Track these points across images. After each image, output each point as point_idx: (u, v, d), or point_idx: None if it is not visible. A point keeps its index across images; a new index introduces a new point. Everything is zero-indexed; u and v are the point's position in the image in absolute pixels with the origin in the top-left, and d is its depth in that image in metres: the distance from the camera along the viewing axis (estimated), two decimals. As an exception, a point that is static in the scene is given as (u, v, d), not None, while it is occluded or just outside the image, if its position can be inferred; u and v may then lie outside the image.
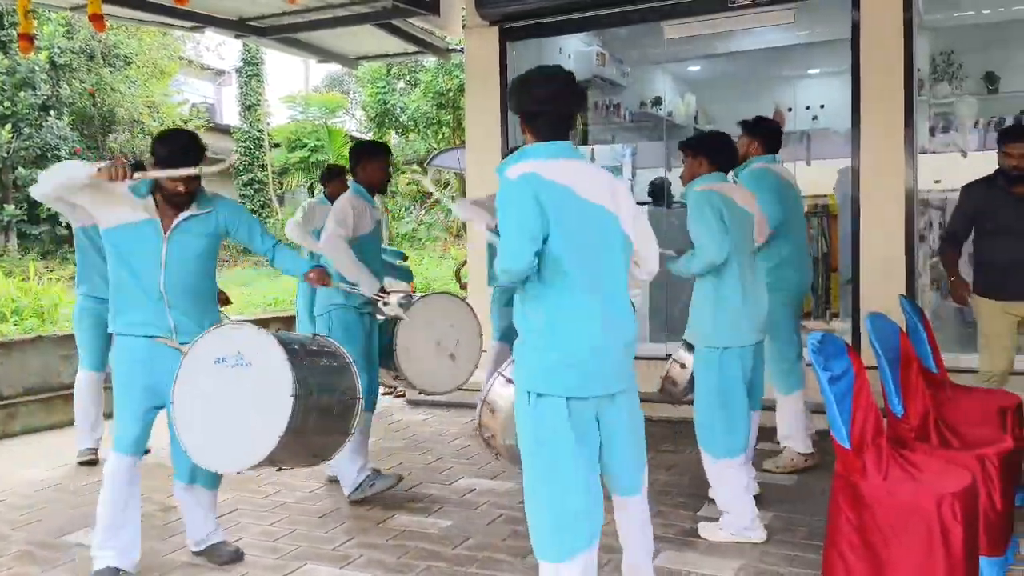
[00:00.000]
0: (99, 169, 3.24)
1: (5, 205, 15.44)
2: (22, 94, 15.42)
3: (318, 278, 3.85)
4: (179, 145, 3.52)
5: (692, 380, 4.06)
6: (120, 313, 3.56)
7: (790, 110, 9.49)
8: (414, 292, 5.03)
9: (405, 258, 5.20)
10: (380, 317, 4.62)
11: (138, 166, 5.16)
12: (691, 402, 4.11)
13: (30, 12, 4.29)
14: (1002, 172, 4.55)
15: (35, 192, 3.38)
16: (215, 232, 3.65)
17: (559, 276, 2.64)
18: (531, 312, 2.70)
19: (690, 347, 4.10)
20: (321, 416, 3.48)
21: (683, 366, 4.14)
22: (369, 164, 4.67)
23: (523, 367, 2.72)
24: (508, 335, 5.75)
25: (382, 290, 4.48)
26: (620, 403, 2.78)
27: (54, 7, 7.31)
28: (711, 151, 4.01)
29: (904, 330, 3.95)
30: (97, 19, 4.25)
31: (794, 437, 4.88)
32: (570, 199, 2.64)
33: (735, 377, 3.88)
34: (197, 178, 3.51)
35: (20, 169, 15.40)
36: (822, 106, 9.16)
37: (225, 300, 5.43)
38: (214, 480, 3.82)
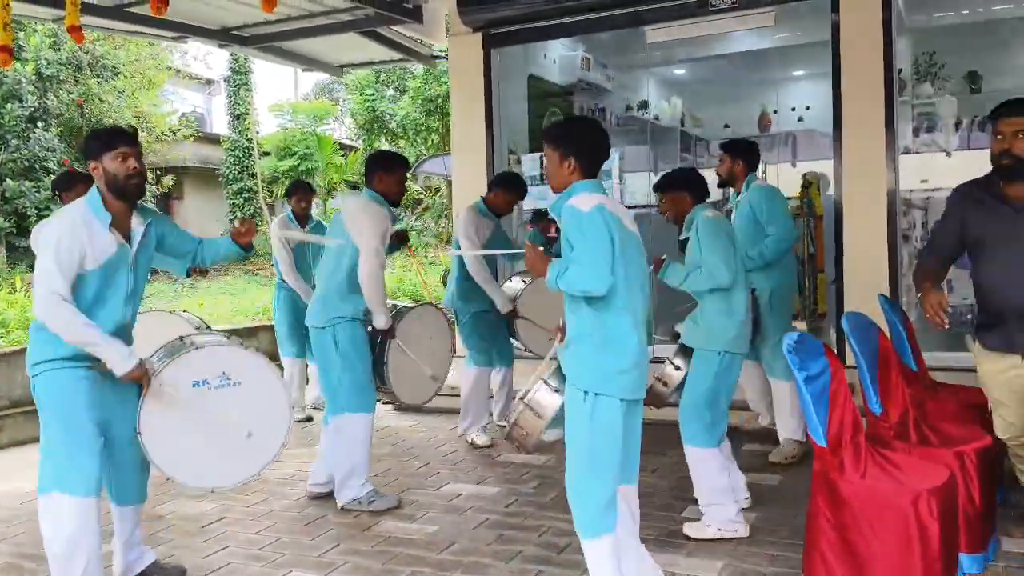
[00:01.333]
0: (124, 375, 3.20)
1: (-7, 217, 15.41)
2: (8, 106, 15.40)
3: (247, 230, 3.67)
4: (108, 128, 3.44)
5: (680, 384, 4.12)
6: (56, 345, 3.22)
7: (775, 112, 9.53)
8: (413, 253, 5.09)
9: (404, 237, 5.20)
10: (368, 328, 4.64)
11: (87, 178, 4.97)
12: (674, 404, 4.15)
13: (9, 24, 4.29)
14: (998, 171, 3.41)
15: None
16: (155, 244, 3.52)
17: (616, 294, 3.00)
18: (592, 323, 3.04)
19: (685, 350, 4.15)
20: None
21: (677, 368, 4.20)
22: (388, 177, 4.60)
23: (582, 369, 3.05)
24: (487, 361, 5.79)
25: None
26: (640, 406, 3.17)
27: (36, 19, 7.31)
28: (691, 185, 4.24)
29: (884, 329, 3.99)
30: (75, 31, 4.25)
31: (788, 426, 5.08)
32: (622, 227, 3.05)
33: (732, 379, 4.09)
34: (140, 157, 3.36)
35: (8, 181, 15.37)
36: (808, 108, 9.20)
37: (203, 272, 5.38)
38: (143, 494, 3.62)
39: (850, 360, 3.83)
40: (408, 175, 19.23)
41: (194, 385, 3.39)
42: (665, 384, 4.28)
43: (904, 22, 6.49)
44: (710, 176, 4.84)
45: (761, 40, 8.09)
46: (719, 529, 3.91)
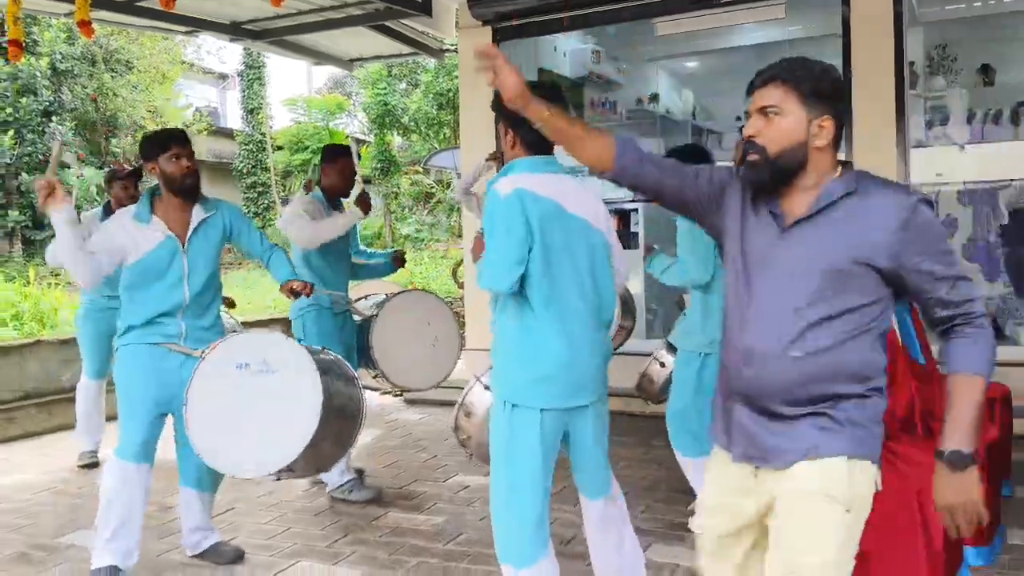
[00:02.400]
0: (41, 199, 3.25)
1: (9, 211, 15.52)
2: (24, 100, 15.50)
3: (300, 288, 3.81)
4: (162, 131, 3.67)
5: (669, 381, 4.09)
6: (131, 327, 3.55)
7: (787, 106, 9.47)
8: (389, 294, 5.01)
9: (400, 259, 5.12)
10: (357, 317, 4.66)
11: (137, 172, 5.23)
12: (665, 400, 4.15)
13: (19, 19, 4.32)
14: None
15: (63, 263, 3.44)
16: (222, 235, 3.70)
17: (540, 291, 2.66)
18: (509, 324, 2.74)
19: (672, 348, 4.12)
20: (335, 425, 3.53)
21: (663, 365, 4.17)
22: (327, 169, 4.65)
23: (500, 377, 2.76)
24: None
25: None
26: (589, 414, 2.81)
27: (48, 13, 7.35)
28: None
29: (892, 323, 3.97)
30: (85, 25, 4.28)
31: None
32: (557, 213, 2.67)
33: (712, 383, 3.88)
34: (194, 157, 3.59)
35: (24, 175, 15.48)
36: (820, 101, 9.15)
37: (230, 304, 5.45)
38: (217, 484, 3.86)
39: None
40: (420, 169, 19.20)
41: (237, 367, 3.41)
42: (652, 381, 4.25)
43: (916, 15, 6.45)
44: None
45: (772, 32, 8.05)
46: None
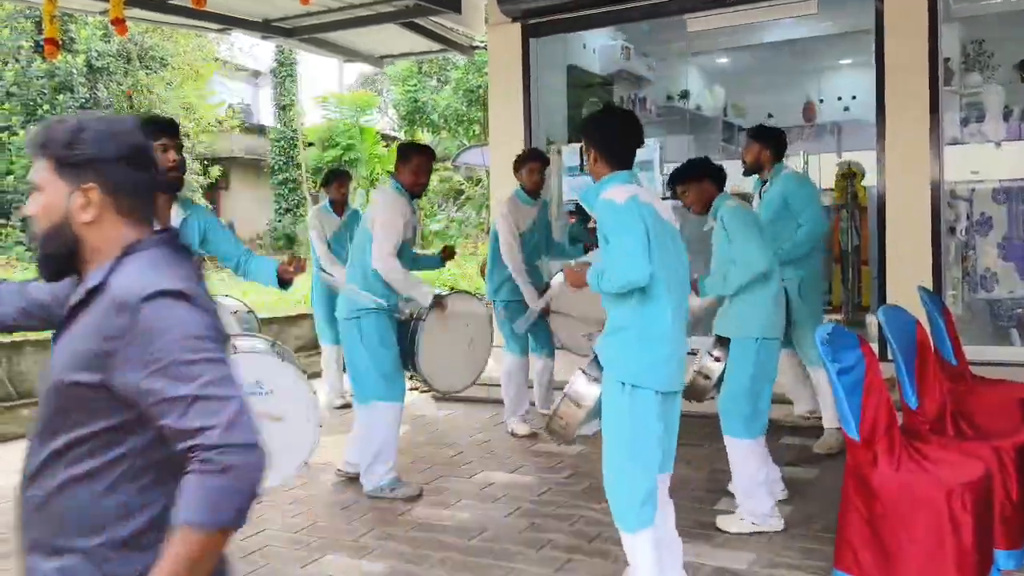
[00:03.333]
0: None
1: (47, 207, 15.78)
2: (61, 97, 15.75)
3: (296, 268, 3.75)
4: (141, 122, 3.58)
5: (722, 375, 4.08)
6: None
7: (822, 101, 9.40)
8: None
9: (451, 254, 5.30)
10: (399, 316, 4.68)
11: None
12: (713, 397, 4.14)
13: (55, 17, 4.40)
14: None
15: None
16: (197, 239, 3.60)
17: (654, 285, 2.98)
18: (631, 314, 3.03)
19: (722, 342, 4.11)
20: None
21: (717, 359, 4.15)
22: (404, 167, 4.64)
23: (619, 361, 3.05)
24: (526, 350, 5.81)
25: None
26: (678, 397, 3.18)
27: (84, 11, 7.47)
28: (710, 171, 4.18)
29: (924, 322, 3.92)
30: (119, 23, 4.34)
31: (832, 414, 4.99)
32: (657, 217, 3.03)
33: (771, 366, 4.05)
34: (180, 149, 3.46)
35: (60, 171, 15.72)
36: (854, 97, 9.07)
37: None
38: None
39: (889, 354, 3.78)
40: (450, 166, 19.28)
41: None
42: (707, 377, 4.23)
43: (951, 10, 6.34)
44: (732, 167, 4.81)
45: (805, 28, 7.98)
46: (753, 523, 3.88)
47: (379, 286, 4.51)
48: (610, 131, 3.16)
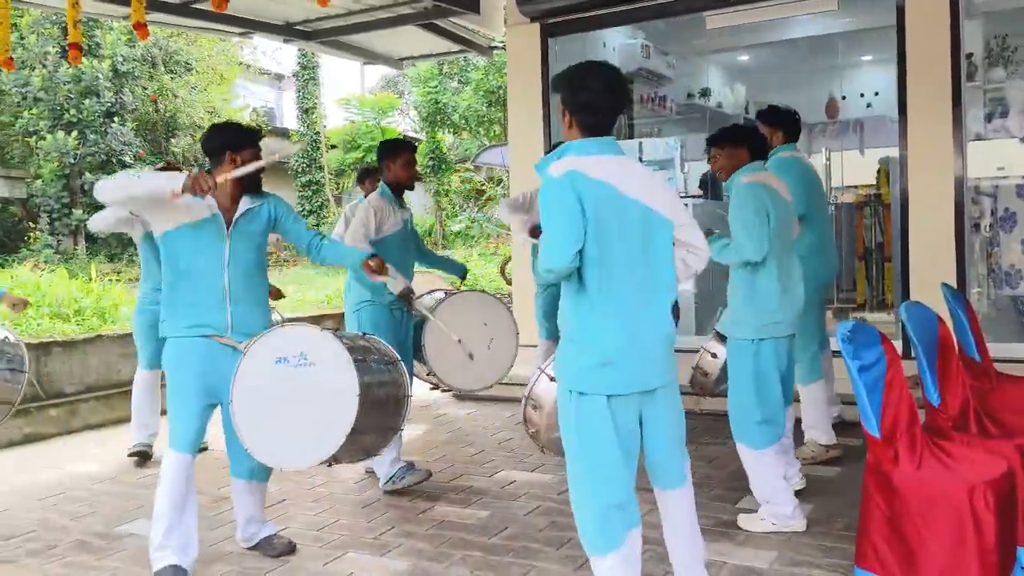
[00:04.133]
0: (183, 186, 3.30)
1: (73, 209, 15.98)
2: (87, 102, 15.95)
3: (378, 267, 3.84)
4: (234, 129, 3.68)
5: (724, 371, 4.03)
6: (175, 316, 3.57)
7: (844, 98, 9.34)
8: (450, 290, 5.12)
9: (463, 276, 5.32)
10: (414, 314, 4.71)
11: (172, 167, 5.33)
12: (723, 393, 4.09)
13: (79, 22, 4.46)
14: None
15: (105, 197, 3.45)
16: (267, 225, 3.72)
17: (595, 276, 2.67)
18: (570, 312, 2.76)
19: (722, 337, 4.06)
20: (377, 413, 3.58)
21: (714, 356, 4.11)
22: (392, 163, 4.72)
23: (564, 366, 2.78)
24: (555, 333, 5.82)
25: (409, 289, 4.56)
26: (659, 398, 2.80)
27: (107, 16, 7.57)
28: (752, 141, 3.99)
29: (946, 318, 3.88)
30: (141, 27, 4.39)
31: (817, 428, 4.87)
32: (611, 196, 2.66)
33: (770, 369, 3.86)
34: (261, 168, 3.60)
35: (87, 175, 15.93)
36: (876, 93, 9.01)
37: (277, 294, 5.59)
38: (268, 474, 3.89)
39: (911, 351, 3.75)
40: (471, 166, 19.38)
41: (276, 362, 3.47)
42: (706, 374, 4.20)
43: (974, 4, 6.29)
44: None
45: (826, 25, 7.93)
46: (774, 523, 3.85)
47: (366, 281, 4.51)
48: (580, 85, 2.75)
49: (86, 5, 4.71)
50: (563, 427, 2.80)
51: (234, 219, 3.59)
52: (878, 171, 8.66)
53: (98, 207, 17.01)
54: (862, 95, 9.26)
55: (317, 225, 19.85)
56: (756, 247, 3.72)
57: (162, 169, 5.42)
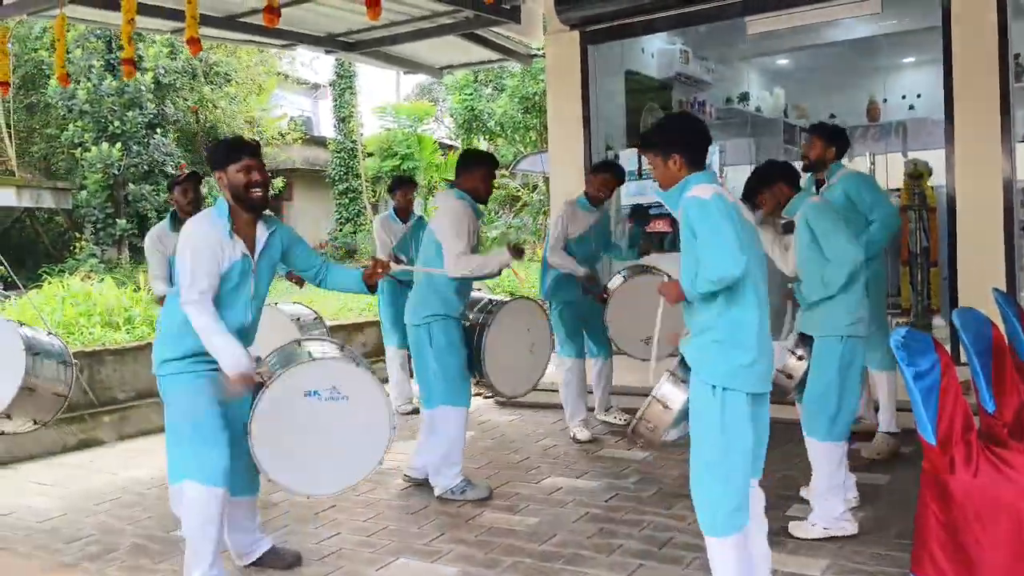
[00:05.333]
0: (234, 378, 3.35)
1: (118, 219, 16.30)
2: (130, 113, 16.26)
3: (383, 270, 3.79)
4: (229, 141, 3.62)
5: (805, 375, 4.04)
6: (191, 353, 3.45)
7: (885, 101, 9.25)
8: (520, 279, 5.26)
9: (519, 251, 5.48)
10: (464, 323, 4.75)
11: (195, 176, 5.25)
12: (791, 402, 4.11)
13: (132, 38, 4.57)
14: None
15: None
16: (280, 255, 3.68)
17: (740, 285, 2.99)
18: (718, 315, 3.03)
19: (805, 339, 4.06)
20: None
21: (800, 358, 4.08)
22: (472, 173, 4.72)
23: (709, 364, 3.04)
24: (581, 352, 5.84)
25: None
26: (767, 398, 3.17)
27: (155, 31, 7.72)
28: (786, 176, 4.16)
29: (997, 323, 3.84)
30: (194, 42, 4.48)
31: (889, 411, 5.02)
32: (741, 218, 3.05)
33: (857, 365, 4.00)
34: (263, 169, 3.51)
35: (130, 185, 16.24)
36: (919, 96, 8.91)
37: (301, 281, 5.61)
38: (256, 487, 3.81)
39: (963, 357, 3.72)
40: (507, 173, 19.41)
41: (306, 395, 3.54)
42: (790, 376, 4.18)
43: (1021, 4, 6.20)
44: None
45: (868, 27, 7.87)
46: (825, 528, 3.84)
47: (449, 294, 4.59)
48: (683, 131, 3.18)
49: (138, 20, 4.82)
50: (703, 420, 3.03)
51: (257, 252, 3.54)
52: (915, 175, 8.55)
53: (142, 216, 17.14)
54: (903, 97, 9.16)
55: (354, 232, 20.05)
56: (858, 249, 3.92)
57: (175, 180, 5.22)
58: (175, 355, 3.49)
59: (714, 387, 3.00)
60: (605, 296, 5.67)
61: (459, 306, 4.65)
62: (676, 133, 3.19)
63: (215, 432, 3.44)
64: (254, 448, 3.49)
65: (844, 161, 5.02)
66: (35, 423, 4.51)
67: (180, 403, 3.50)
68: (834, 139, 4.89)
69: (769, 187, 4.12)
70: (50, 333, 4.65)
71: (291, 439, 3.55)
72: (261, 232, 3.58)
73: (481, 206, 4.81)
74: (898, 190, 7.92)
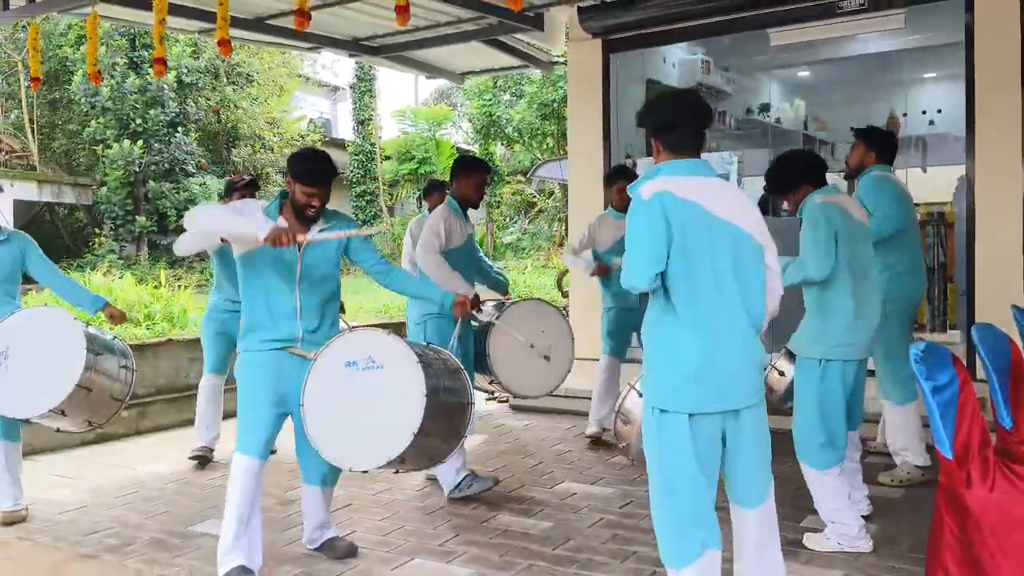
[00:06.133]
0: (265, 237, 3.45)
1: (137, 216, 16.43)
2: (152, 112, 16.41)
3: (474, 304, 4.06)
4: (315, 163, 3.71)
5: (790, 389, 4.03)
6: (252, 331, 3.71)
7: (905, 115, 9.24)
8: (508, 299, 5.22)
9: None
10: (475, 323, 4.80)
11: (254, 183, 5.50)
12: (788, 411, 4.10)
13: (164, 38, 4.63)
14: None
15: (195, 226, 3.62)
16: (338, 247, 3.82)
17: (683, 293, 2.71)
18: (654, 328, 2.82)
19: (791, 355, 4.07)
20: (443, 418, 3.67)
21: (782, 374, 4.10)
22: (466, 180, 4.86)
23: (648, 383, 2.84)
24: (618, 350, 5.86)
25: (476, 298, 4.64)
26: (745, 418, 2.82)
27: (183, 31, 7.81)
28: (809, 174, 3.99)
29: (1015, 340, 3.84)
30: (224, 44, 4.55)
31: (910, 450, 4.79)
32: (700, 216, 2.71)
33: (836, 391, 3.85)
34: (327, 197, 3.71)
35: (151, 183, 16.36)
36: (939, 111, 8.89)
37: (340, 309, 5.70)
38: (336, 479, 4.00)
39: (980, 373, 3.72)
40: (524, 179, 19.44)
41: (346, 366, 3.59)
42: (771, 390, 4.19)
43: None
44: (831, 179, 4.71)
45: (890, 42, 7.88)
46: (839, 543, 3.84)
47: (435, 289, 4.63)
48: (662, 113, 2.89)
49: (169, 20, 4.89)
50: (645, 441, 2.86)
51: (305, 242, 3.68)
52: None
53: (161, 214, 17.34)
54: (924, 112, 9.14)
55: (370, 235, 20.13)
56: (818, 265, 3.73)
57: (231, 185, 5.57)
58: (243, 348, 3.76)
59: (652, 408, 2.80)
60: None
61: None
62: (655, 113, 2.92)
63: (257, 404, 3.67)
64: (307, 426, 3.57)
65: (895, 174, 4.83)
66: (89, 424, 4.54)
67: (239, 379, 3.76)
68: (875, 144, 4.73)
69: (794, 191, 3.99)
70: (115, 337, 4.68)
71: (337, 413, 3.59)
72: (314, 228, 3.73)
73: (492, 211, 4.93)
74: (917, 205, 7.92)
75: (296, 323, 3.69)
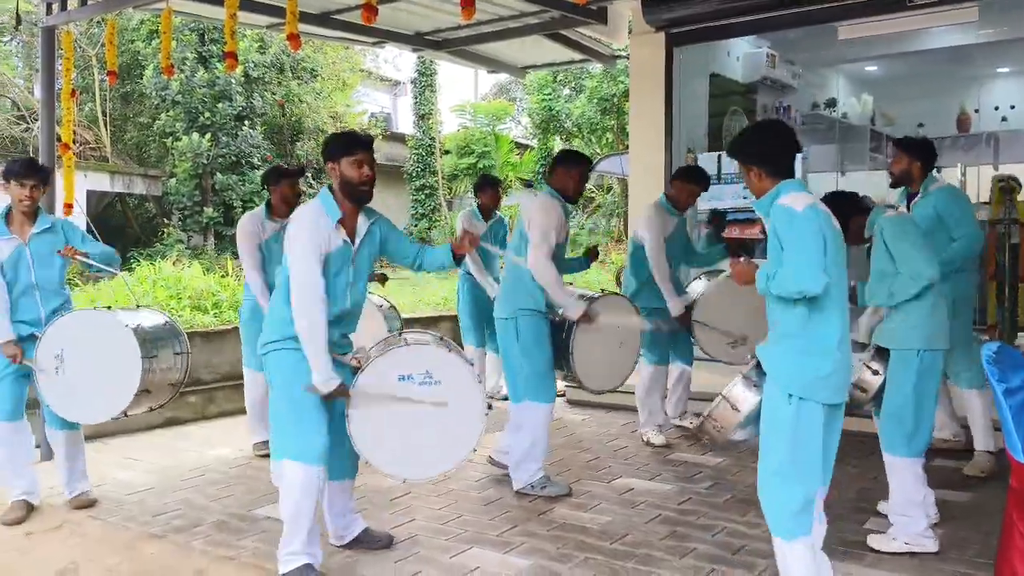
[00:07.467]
0: (324, 390, 3.49)
1: (205, 208, 16.80)
2: (220, 105, 16.74)
3: (472, 243, 3.87)
4: (346, 134, 3.70)
5: (880, 390, 3.99)
6: (288, 328, 3.54)
7: (976, 111, 8.99)
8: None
9: (595, 253, 5.45)
10: (552, 318, 4.78)
11: (301, 171, 5.48)
12: (865, 414, 4.06)
13: (235, 32, 4.73)
14: None
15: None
16: (379, 245, 3.79)
17: (828, 296, 3.00)
18: (800, 324, 3.05)
19: (881, 354, 4.01)
20: None
21: (875, 372, 4.04)
22: (566, 173, 4.77)
23: (787, 372, 3.07)
24: (661, 359, 5.80)
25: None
26: (842, 409, 3.17)
27: (252, 26, 7.96)
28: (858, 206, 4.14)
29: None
30: (294, 38, 4.63)
31: (984, 437, 4.91)
32: (832, 229, 3.05)
33: (934, 381, 3.94)
34: (374, 167, 3.62)
35: (218, 175, 16.72)
36: (1012, 107, 8.63)
37: (383, 279, 5.81)
38: (354, 471, 3.94)
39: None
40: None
41: (399, 379, 3.62)
42: (864, 390, 4.14)
43: None
44: (880, 177, 4.68)
45: (962, 36, 7.66)
46: (906, 543, 3.79)
47: (535, 289, 4.63)
48: (767, 145, 3.17)
49: (239, 15, 4.99)
50: (775, 426, 3.07)
51: (357, 243, 3.65)
52: (1008, 189, 8.29)
53: (228, 205, 17.62)
54: (996, 108, 8.88)
55: (429, 228, 20.30)
56: (935, 267, 3.84)
57: (279, 171, 5.40)
58: (277, 337, 3.62)
59: (790, 395, 3.02)
60: (688, 319, 5.60)
61: (545, 301, 4.67)
62: (754, 146, 3.20)
63: (312, 411, 3.55)
64: (351, 429, 3.61)
65: (934, 173, 4.89)
66: (151, 409, 4.68)
67: (279, 382, 3.62)
68: (919, 152, 4.77)
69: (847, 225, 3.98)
70: (167, 322, 4.72)
71: (386, 422, 3.63)
72: (362, 223, 3.70)
73: (570, 205, 4.86)
74: (987, 203, 7.69)
75: (336, 328, 3.65)
